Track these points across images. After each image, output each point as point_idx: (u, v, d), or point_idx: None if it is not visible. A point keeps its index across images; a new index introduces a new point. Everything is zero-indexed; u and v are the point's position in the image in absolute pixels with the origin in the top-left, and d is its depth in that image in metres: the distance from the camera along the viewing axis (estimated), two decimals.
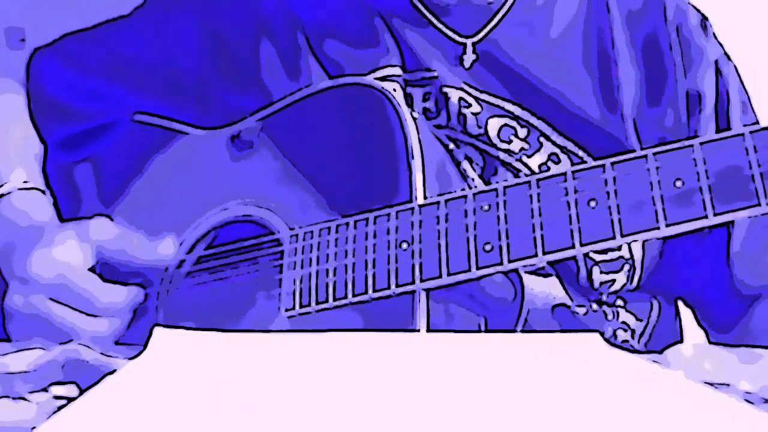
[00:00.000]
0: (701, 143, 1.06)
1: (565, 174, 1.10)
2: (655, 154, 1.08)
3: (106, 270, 1.22)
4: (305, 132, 1.23)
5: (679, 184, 1.06)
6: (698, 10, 1.34)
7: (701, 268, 1.30)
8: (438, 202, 1.13)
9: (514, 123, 1.26)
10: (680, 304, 1.36)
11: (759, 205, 1.04)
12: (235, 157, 1.25)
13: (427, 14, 1.29)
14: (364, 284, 1.14)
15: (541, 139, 1.26)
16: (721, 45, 1.34)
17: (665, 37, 1.31)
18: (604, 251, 1.25)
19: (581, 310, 1.26)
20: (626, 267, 1.25)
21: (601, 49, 1.30)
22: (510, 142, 1.26)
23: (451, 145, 1.27)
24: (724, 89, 1.31)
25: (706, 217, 1.05)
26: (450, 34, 1.29)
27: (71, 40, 1.37)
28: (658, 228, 1.06)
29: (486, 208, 1.12)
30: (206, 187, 1.25)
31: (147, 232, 1.23)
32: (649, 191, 1.07)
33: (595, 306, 1.27)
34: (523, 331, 1.22)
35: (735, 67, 1.33)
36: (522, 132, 1.26)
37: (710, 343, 1.31)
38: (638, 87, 1.29)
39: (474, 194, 1.13)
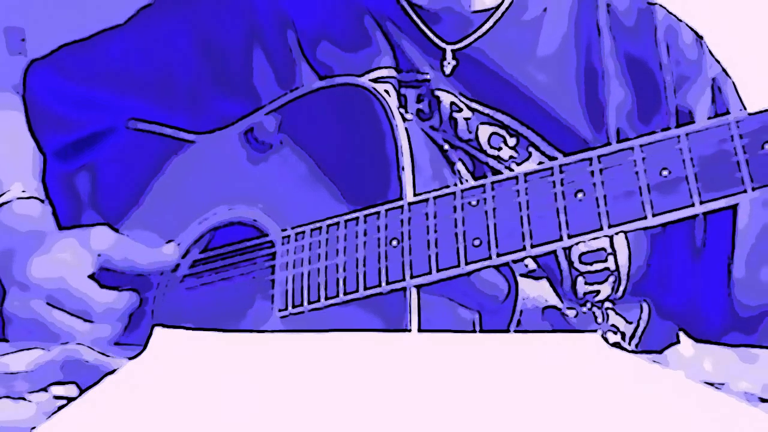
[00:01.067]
0: (687, 133, 1.07)
1: (552, 168, 1.11)
2: (641, 145, 1.08)
3: (104, 276, 1.22)
4: (303, 131, 1.23)
5: (665, 173, 1.07)
6: (693, 29, 1.35)
7: (697, 287, 1.30)
8: (427, 200, 1.14)
9: (503, 132, 1.27)
10: None
11: (745, 191, 1.04)
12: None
13: (415, 18, 1.29)
14: (355, 282, 1.14)
15: (531, 148, 1.27)
16: (718, 62, 1.35)
17: (655, 55, 1.31)
18: (590, 262, 1.25)
19: (571, 313, 1.26)
20: (611, 278, 1.26)
21: (589, 65, 1.30)
22: (500, 149, 1.27)
23: (446, 146, 1.27)
24: (723, 106, 1.31)
25: (692, 205, 1.06)
26: (434, 39, 1.29)
27: (67, 51, 1.38)
28: (645, 217, 1.07)
29: (474, 203, 1.12)
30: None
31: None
32: (636, 181, 1.07)
33: (585, 309, 1.27)
34: (516, 332, 1.22)
35: (733, 83, 1.34)
36: (511, 141, 1.27)
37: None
38: (626, 105, 1.30)
39: (462, 190, 1.13)
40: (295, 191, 1.21)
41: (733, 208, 1.21)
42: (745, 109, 1.33)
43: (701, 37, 1.34)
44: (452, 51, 1.29)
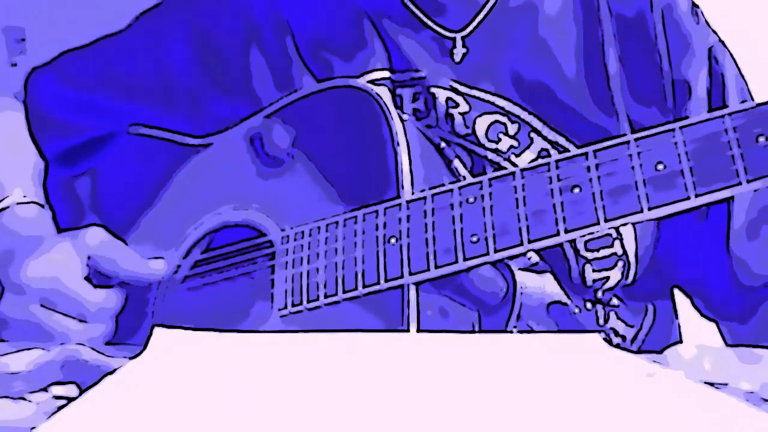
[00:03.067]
0: (681, 127, 1.08)
1: (548, 164, 1.12)
2: (636, 139, 1.09)
3: (98, 277, 1.23)
4: (302, 133, 1.24)
5: (660, 167, 1.07)
6: None
7: (701, 252, 1.30)
8: (425, 197, 1.15)
9: (504, 119, 1.27)
10: (679, 304, 1.36)
11: (740, 184, 1.05)
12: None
13: (418, 13, 1.29)
14: (354, 281, 1.15)
15: (532, 134, 1.26)
16: (715, 32, 1.34)
17: (651, 24, 1.31)
18: (596, 249, 1.25)
19: (576, 309, 1.26)
20: (620, 263, 1.26)
21: (589, 37, 1.30)
22: (498, 141, 1.27)
23: (442, 144, 1.27)
24: (719, 76, 1.31)
25: (688, 198, 1.06)
26: (441, 30, 1.29)
27: (68, 58, 1.40)
28: (641, 211, 1.08)
29: (472, 200, 1.13)
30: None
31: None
32: (632, 176, 1.08)
33: (589, 305, 1.27)
34: (520, 332, 1.22)
35: (731, 54, 1.33)
36: (512, 128, 1.26)
37: (726, 344, 1.31)
38: (625, 76, 1.29)
39: (460, 187, 1.14)
40: (301, 201, 1.21)
41: None
42: (742, 77, 1.33)
43: (697, 6, 1.33)
44: (462, 38, 1.29)
